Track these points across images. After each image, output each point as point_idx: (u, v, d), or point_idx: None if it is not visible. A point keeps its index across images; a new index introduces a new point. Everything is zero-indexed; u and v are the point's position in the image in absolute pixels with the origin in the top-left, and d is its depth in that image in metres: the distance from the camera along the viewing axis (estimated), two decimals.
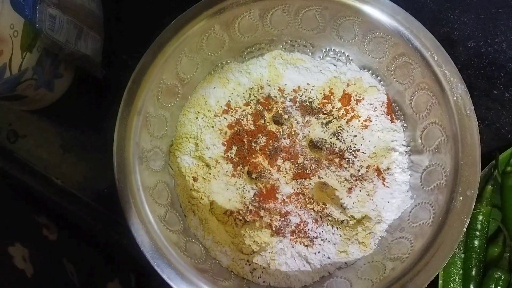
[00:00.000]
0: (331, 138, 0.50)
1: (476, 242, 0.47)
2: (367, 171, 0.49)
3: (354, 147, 0.50)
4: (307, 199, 0.48)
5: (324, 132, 0.50)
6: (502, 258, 0.46)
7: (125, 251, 0.51)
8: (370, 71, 0.51)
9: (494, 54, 0.57)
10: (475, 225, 0.47)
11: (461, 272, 0.47)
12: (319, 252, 0.47)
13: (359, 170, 0.49)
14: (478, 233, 0.47)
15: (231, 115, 0.51)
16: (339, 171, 0.49)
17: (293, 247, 0.47)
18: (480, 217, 0.47)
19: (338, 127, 0.50)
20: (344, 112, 0.51)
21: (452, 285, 0.47)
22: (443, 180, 0.43)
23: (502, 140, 0.54)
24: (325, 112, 0.51)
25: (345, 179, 0.49)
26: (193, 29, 0.46)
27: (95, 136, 0.56)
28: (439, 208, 0.42)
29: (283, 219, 0.48)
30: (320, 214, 0.48)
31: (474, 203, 0.41)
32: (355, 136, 0.50)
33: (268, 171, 0.49)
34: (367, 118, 0.50)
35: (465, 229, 0.41)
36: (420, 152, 0.47)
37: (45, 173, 0.55)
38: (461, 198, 0.41)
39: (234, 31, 0.49)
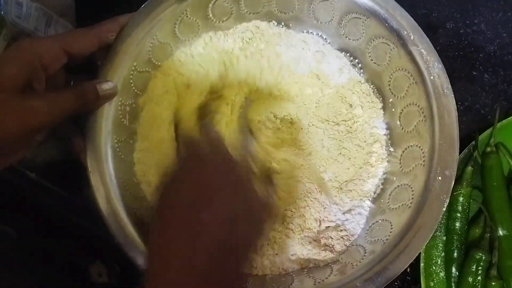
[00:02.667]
0: None
1: (457, 224, 0.47)
2: None
3: None
4: None
5: None
6: (483, 239, 0.46)
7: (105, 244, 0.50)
8: (348, 54, 0.50)
9: (473, 35, 0.56)
10: (456, 207, 0.47)
11: (443, 254, 0.47)
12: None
13: None
14: (459, 214, 0.47)
15: None
16: None
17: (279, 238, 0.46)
18: (461, 199, 0.47)
19: None
20: None
21: (434, 267, 0.47)
22: (421, 161, 0.43)
23: (482, 121, 0.53)
24: None
25: None
26: (164, 13, 0.44)
27: (72, 126, 0.54)
28: (418, 189, 0.42)
29: None
30: None
31: (453, 183, 0.41)
32: None
33: None
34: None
35: (444, 209, 0.40)
36: (400, 134, 0.47)
37: (18, 167, 0.53)
38: (439, 178, 0.41)
39: (208, 15, 0.48)
